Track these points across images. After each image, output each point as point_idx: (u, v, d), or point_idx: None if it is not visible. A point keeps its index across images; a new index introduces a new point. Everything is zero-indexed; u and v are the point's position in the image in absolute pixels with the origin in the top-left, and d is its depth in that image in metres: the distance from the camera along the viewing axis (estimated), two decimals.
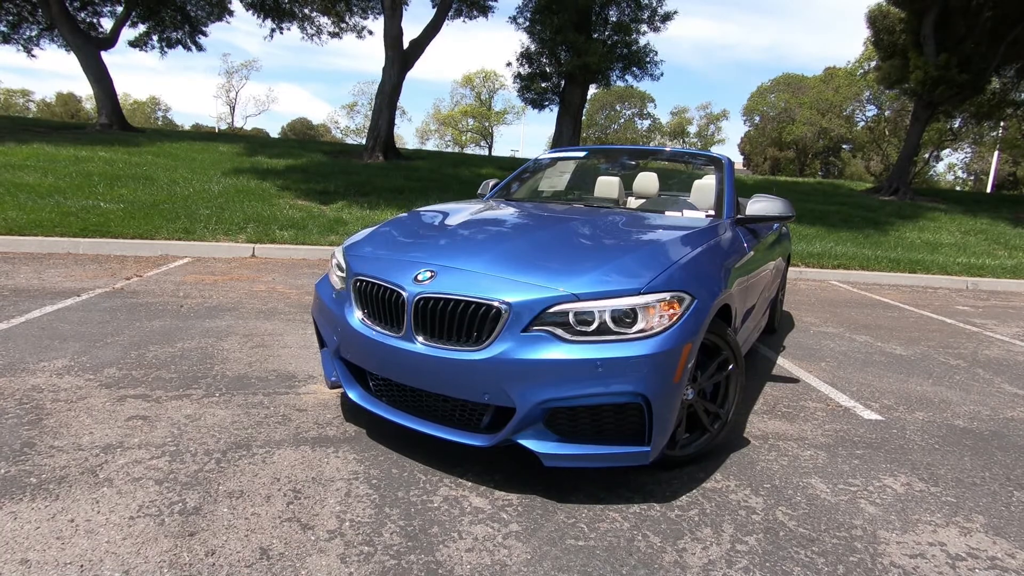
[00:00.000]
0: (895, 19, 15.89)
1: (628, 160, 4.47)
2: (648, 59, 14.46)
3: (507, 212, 3.11)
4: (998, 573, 1.91)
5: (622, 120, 50.19)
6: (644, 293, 2.07)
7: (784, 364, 4.11)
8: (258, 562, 1.73)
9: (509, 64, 15.95)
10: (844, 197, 14.87)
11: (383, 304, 2.27)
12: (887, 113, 32.44)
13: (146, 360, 3.36)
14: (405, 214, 3.12)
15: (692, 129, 51.79)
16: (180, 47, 18.61)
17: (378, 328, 2.29)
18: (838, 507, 2.25)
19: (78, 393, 2.84)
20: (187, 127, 63.11)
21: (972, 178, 51.35)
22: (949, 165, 53.01)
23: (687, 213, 3.20)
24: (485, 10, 18.84)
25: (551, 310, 2.03)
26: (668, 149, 4.48)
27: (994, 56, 14.25)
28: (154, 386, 2.99)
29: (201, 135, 20.93)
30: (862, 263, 8.84)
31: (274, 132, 66.25)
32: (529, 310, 2.02)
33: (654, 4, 14.60)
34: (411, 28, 15.35)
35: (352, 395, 2.44)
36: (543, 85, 14.90)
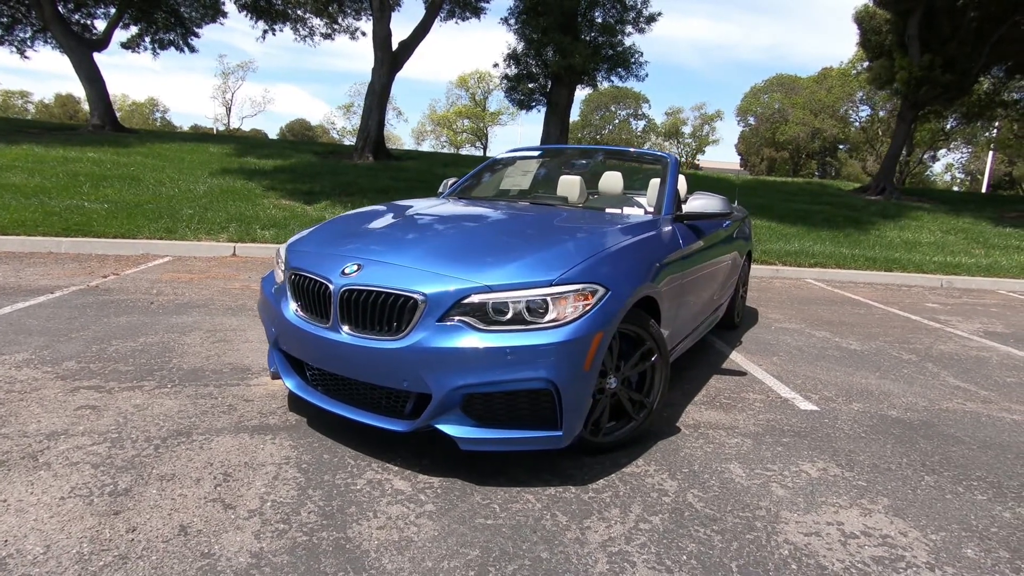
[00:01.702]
0: (881, 20, 16.00)
1: (580, 159, 4.58)
2: (633, 60, 14.58)
3: (452, 209, 3.21)
4: (886, 549, 2.01)
5: (617, 121, 50.39)
6: (556, 284, 2.17)
7: (736, 358, 4.21)
8: (175, 538, 1.83)
9: (496, 65, 16.06)
10: (831, 197, 14.97)
11: (313, 296, 2.38)
12: (881, 114, 32.58)
13: (106, 354, 3.46)
14: (352, 211, 3.23)
15: (687, 130, 52.06)
16: (173, 48, 18.71)
17: (310, 319, 2.39)
18: (749, 490, 2.34)
19: (33, 384, 2.94)
20: (186, 128, 63.33)
21: (968, 178, 51.50)
22: (947, 165, 53.17)
23: (627, 210, 3.31)
24: (477, 11, 18.94)
25: (465, 301, 2.13)
26: (628, 150, 4.60)
27: (979, 56, 14.35)
28: (109, 378, 3.09)
29: (193, 136, 21.05)
30: (839, 261, 8.94)
31: (273, 133, 66.51)
32: (444, 301, 2.12)
33: (639, 5, 14.74)
34: (405, 28, 15.48)
35: (289, 384, 2.54)
36: (530, 86, 15.02)
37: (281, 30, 20.09)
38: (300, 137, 59.26)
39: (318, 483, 2.19)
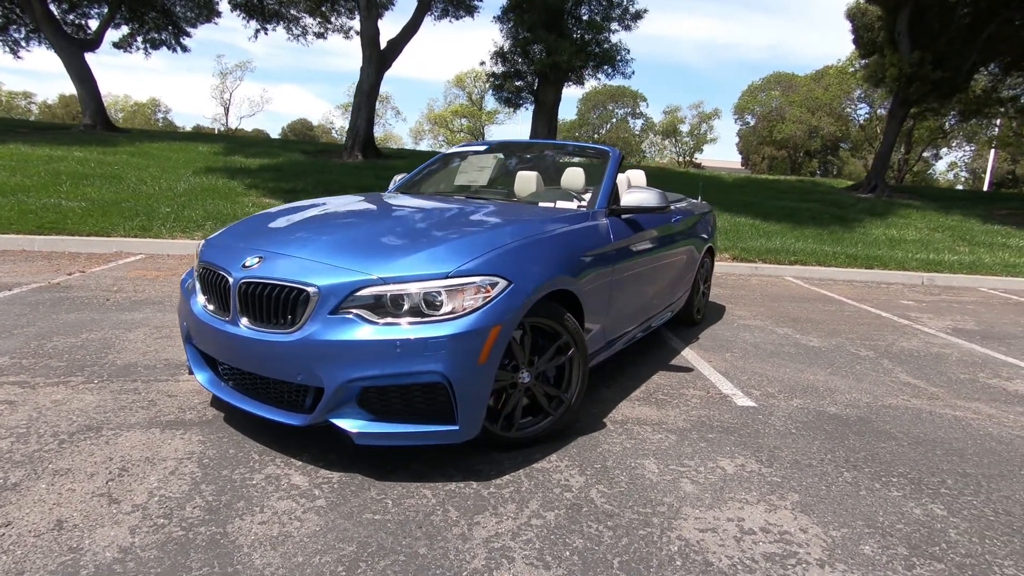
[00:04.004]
0: (873, 16, 15.89)
1: (525, 153, 4.54)
2: (619, 57, 14.53)
3: (380, 203, 3.18)
4: (781, 546, 1.97)
5: (614, 120, 50.25)
6: (452, 277, 2.14)
7: (687, 354, 4.16)
8: (48, 532, 1.81)
9: (483, 63, 16.03)
10: (820, 195, 14.88)
11: (216, 289, 2.36)
12: (880, 111, 32.38)
13: (44, 350, 3.45)
14: (279, 207, 3.21)
15: (685, 128, 51.87)
16: (165, 48, 18.77)
17: (215, 313, 2.37)
18: (657, 486, 2.31)
19: None
20: (188, 128, 63.51)
21: (971, 177, 51.14)
22: (951, 164, 52.79)
23: (561, 203, 3.27)
24: (471, 10, 18.93)
25: (358, 293, 2.10)
26: (571, 143, 4.60)
27: (970, 53, 14.23)
28: (37, 374, 3.08)
29: (184, 135, 21.08)
30: (820, 259, 8.87)
31: (275, 133, 66.68)
32: (337, 293, 2.10)
33: (625, 3, 14.68)
34: (400, 28, 15.44)
35: (200, 379, 2.52)
36: (517, 84, 14.99)
37: (274, 29, 20.16)
38: (302, 136, 59.35)
39: (214, 478, 2.17)
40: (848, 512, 2.21)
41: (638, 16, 14.75)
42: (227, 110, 54.56)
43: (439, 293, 2.11)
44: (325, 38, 20.44)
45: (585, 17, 14.52)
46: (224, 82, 53.43)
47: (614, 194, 3.36)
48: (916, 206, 13.77)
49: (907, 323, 5.76)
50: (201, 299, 2.46)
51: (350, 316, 2.09)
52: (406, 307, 2.11)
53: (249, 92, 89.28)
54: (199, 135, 24.26)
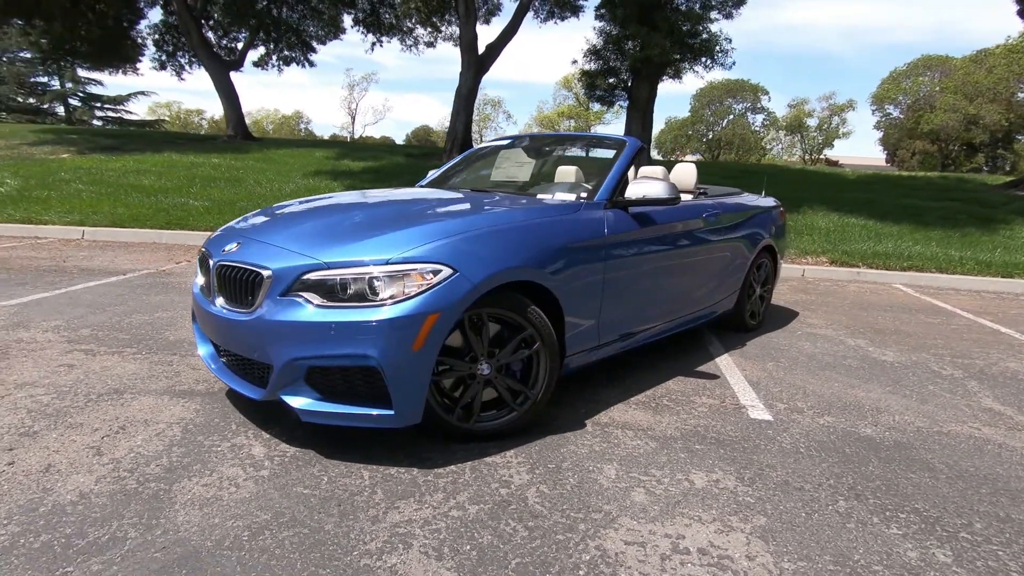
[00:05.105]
0: None
1: (545, 146, 4.42)
2: (718, 48, 13.59)
3: (378, 196, 3.27)
4: (712, 571, 1.76)
5: (731, 116, 47.00)
6: (394, 263, 2.17)
7: (721, 360, 3.83)
8: (37, 472, 2.11)
9: (574, 62, 15.87)
10: (963, 193, 12.89)
11: (205, 271, 2.59)
12: None
13: (120, 324, 4.00)
14: (288, 201, 3.44)
15: (813, 122, 47.16)
16: (295, 64, 20.82)
17: (204, 294, 2.61)
18: (605, 492, 2.16)
19: (43, 345, 3.49)
20: (325, 137, 69.85)
21: None
22: None
23: (559, 195, 3.15)
24: (576, 10, 18.88)
25: (305, 277, 2.20)
26: (589, 134, 4.45)
27: None
28: (103, 343, 3.58)
29: (309, 142, 23.18)
30: (941, 265, 7.71)
31: (400, 139, 71.42)
32: (286, 276, 2.22)
33: None
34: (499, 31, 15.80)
35: (201, 352, 2.78)
36: (609, 81, 14.62)
37: (389, 41, 21.57)
38: (423, 141, 62.86)
39: (188, 442, 2.39)
40: (818, 544, 1.91)
41: (740, 2, 13.73)
42: (353, 119, 59.27)
43: (378, 278, 2.15)
44: (434, 47, 21.48)
45: (682, 7, 13.80)
46: (352, 93, 58.12)
47: (621, 186, 3.18)
48: None
49: None
50: (200, 280, 2.72)
51: (297, 299, 2.20)
52: (351, 291, 2.17)
53: (374, 102, 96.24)
54: (326, 142, 26.59)
